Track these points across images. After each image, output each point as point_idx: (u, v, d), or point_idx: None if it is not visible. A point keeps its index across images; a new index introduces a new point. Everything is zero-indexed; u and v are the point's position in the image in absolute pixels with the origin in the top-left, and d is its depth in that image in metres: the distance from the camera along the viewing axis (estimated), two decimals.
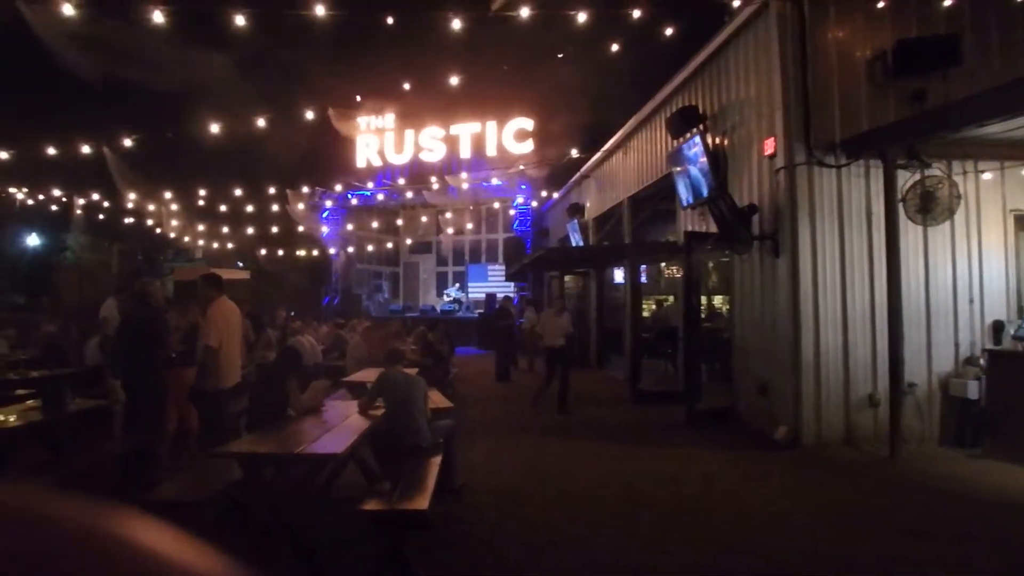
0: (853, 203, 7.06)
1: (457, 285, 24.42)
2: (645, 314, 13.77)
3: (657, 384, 10.73)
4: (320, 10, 8.60)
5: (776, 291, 7.27)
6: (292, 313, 13.91)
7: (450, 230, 23.66)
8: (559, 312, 9.84)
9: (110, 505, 0.40)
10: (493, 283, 22.64)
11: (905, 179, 6.49)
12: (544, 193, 20.90)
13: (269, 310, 12.30)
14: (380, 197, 23.20)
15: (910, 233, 6.77)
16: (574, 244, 15.75)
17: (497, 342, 13.42)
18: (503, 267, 22.27)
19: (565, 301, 10.81)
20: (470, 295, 23.49)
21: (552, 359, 9.56)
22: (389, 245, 24.52)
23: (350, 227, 23.96)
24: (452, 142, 22.85)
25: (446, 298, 23.73)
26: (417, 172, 22.72)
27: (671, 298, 14.66)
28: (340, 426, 4.77)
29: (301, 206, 22.15)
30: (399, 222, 23.66)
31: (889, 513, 4.87)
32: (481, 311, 20.81)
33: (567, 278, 17.58)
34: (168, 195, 20.34)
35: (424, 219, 23.50)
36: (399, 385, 5.11)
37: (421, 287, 25.76)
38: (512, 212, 22.97)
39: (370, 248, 24.91)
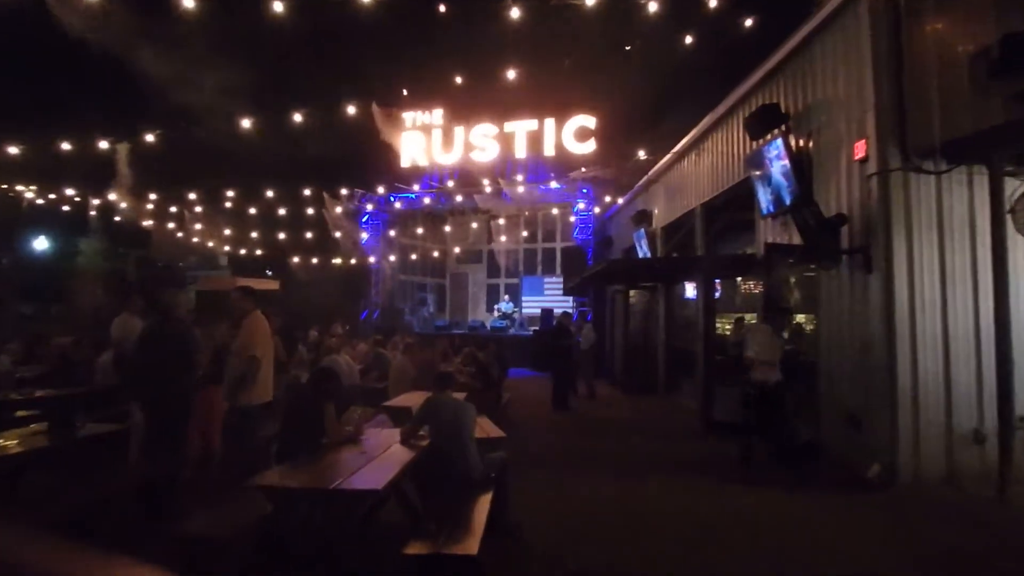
0: (954, 214, 7.11)
1: (509, 299, 24.81)
2: (726, 333, 13.78)
3: (733, 413, 10.73)
4: None
5: (868, 311, 7.35)
6: (347, 327, 14.29)
7: (503, 238, 24.01)
8: (779, 329, 7.87)
9: (97, 553, 0.37)
10: (550, 297, 23.01)
11: (1013, 188, 6.54)
12: (607, 199, 20.97)
13: (306, 325, 12.78)
14: (426, 201, 23.54)
15: (1019, 248, 6.80)
16: (640, 255, 15.93)
17: (554, 364, 13.45)
18: (561, 280, 22.56)
19: (789, 313, 8.67)
20: (524, 310, 23.88)
21: (766, 398, 7.63)
22: (435, 254, 24.86)
23: (392, 234, 24.51)
24: (506, 141, 22.87)
25: (497, 313, 24.15)
26: (467, 174, 22.92)
27: (750, 316, 14.63)
28: (380, 457, 4.79)
29: (339, 210, 22.56)
30: (446, 229, 23.88)
31: (999, 562, 4.87)
32: (536, 328, 21.07)
33: (631, 293, 17.70)
34: (192, 196, 20.97)
35: (474, 226, 23.79)
36: (448, 412, 5.15)
37: (470, 301, 26.26)
38: (572, 219, 23.03)
39: (414, 257, 25.33)
